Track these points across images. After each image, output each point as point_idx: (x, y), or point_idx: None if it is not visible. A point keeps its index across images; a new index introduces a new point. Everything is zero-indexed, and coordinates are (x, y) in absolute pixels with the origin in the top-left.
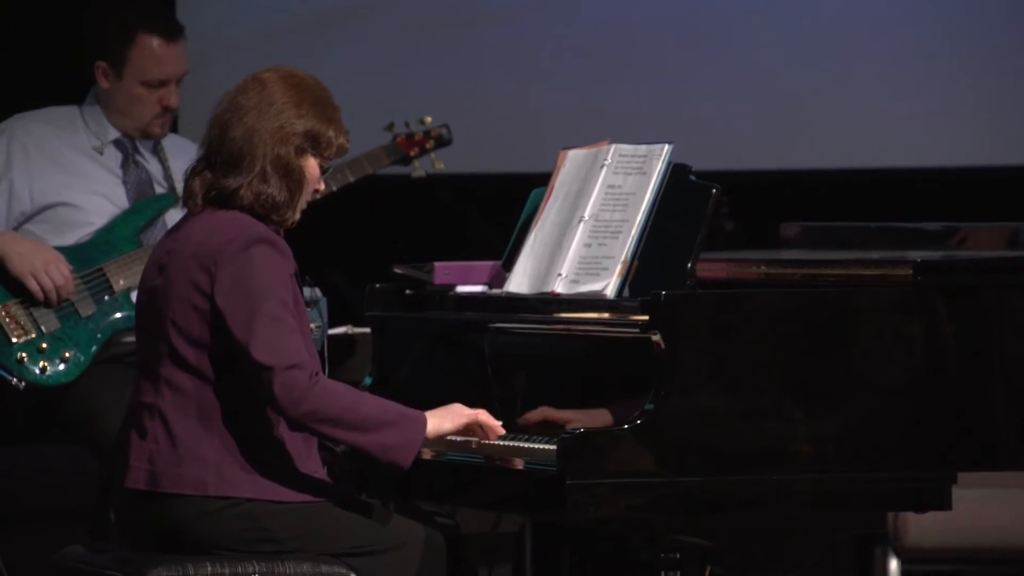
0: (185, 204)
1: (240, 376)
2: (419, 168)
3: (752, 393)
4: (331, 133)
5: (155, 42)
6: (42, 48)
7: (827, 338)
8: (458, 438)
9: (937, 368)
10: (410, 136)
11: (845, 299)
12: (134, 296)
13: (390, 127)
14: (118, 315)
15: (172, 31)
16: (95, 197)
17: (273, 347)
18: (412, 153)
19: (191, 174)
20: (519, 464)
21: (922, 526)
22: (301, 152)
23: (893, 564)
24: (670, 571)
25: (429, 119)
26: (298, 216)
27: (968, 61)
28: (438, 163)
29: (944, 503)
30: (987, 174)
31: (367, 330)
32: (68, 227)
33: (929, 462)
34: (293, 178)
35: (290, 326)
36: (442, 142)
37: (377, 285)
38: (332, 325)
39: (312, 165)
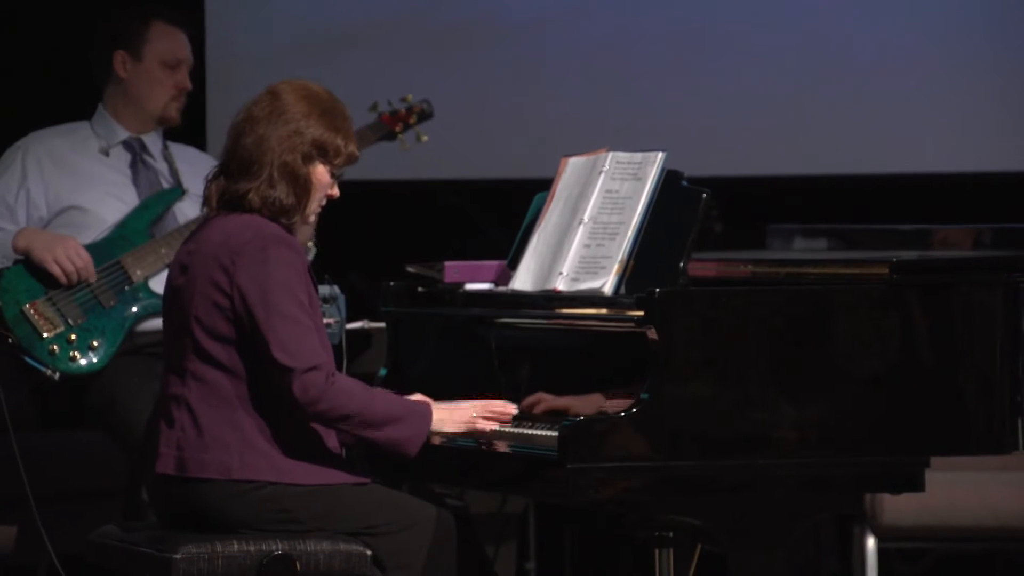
0: (205, 206)
1: (260, 368)
2: (404, 142)
3: (740, 383)
4: (339, 142)
5: (168, 27)
6: (52, 72)
7: (809, 332)
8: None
9: (912, 360)
10: (394, 113)
11: (826, 296)
12: (152, 284)
13: (374, 107)
14: (139, 303)
15: (181, 19)
16: (107, 198)
17: (293, 349)
18: (397, 129)
19: (209, 180)
20: (524, 449)
21: (897, 507)
22: (309, 159)
23: (870, 542)
24: (664, 548)
25: (411, 96)
26: (310, 219)
27: (946, 69)
28: (423, 136)
29: (918, 485)
30: (959, 179)
31: (382, 325)
32: (84, 228)
33: (904, 447)
34: (300, 184)
35: (307, 326)
36: (424, 116)
37: (392, 283)
38: (350, 320)
39: (321, 172)
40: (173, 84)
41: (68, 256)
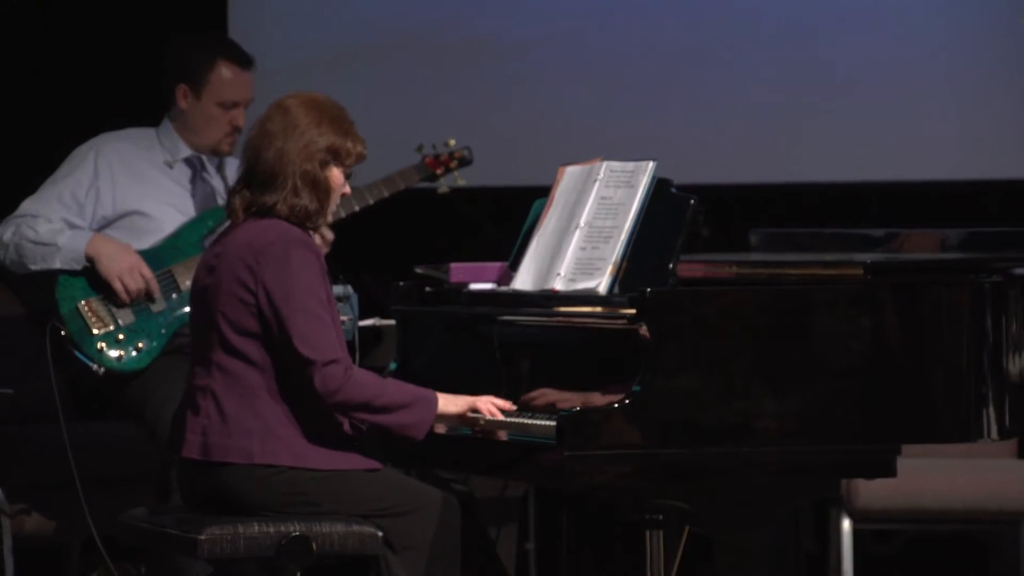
0: (229, 217)
1: (281, 361)
2: (444, 185)
3: (725, 376)
4: (349, 144)
5: (231, 69)
6: (125, 77)
7: (790, 328)
8: (470, 413)
9: (885, 355)
10: (437, 156)
11: (805, 295)
12: None
13: (419, 148)
14: (184, 310)
15: (245, 60)
16: (167, 208)
17: (314, 343)
18: (438, 172)
19: (232, 193)
20: (524, 438)
21: (871, 491)
22: (325, 165)
23: (846, 523)
24: (654, 530)
25: (453, 141)
26: (330, 220)
27: (924, 81)
28: (460, 180)
29: (890, 471)
30: (928, 187)
31: (392, 322)
32: (144, 233)
33: (877, 436)
34: (321, 188)
35: (327, 322)
36: (464, 162)
37: (401, 283)
38: (362, 317)
39: (336, 174)
40: (227, 121)
41: (133, 276)
